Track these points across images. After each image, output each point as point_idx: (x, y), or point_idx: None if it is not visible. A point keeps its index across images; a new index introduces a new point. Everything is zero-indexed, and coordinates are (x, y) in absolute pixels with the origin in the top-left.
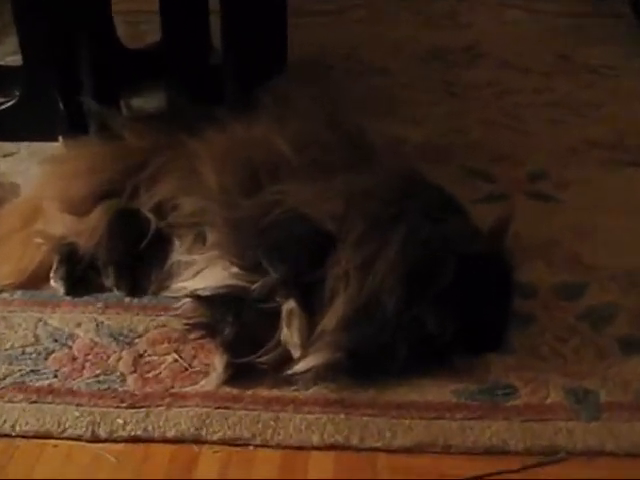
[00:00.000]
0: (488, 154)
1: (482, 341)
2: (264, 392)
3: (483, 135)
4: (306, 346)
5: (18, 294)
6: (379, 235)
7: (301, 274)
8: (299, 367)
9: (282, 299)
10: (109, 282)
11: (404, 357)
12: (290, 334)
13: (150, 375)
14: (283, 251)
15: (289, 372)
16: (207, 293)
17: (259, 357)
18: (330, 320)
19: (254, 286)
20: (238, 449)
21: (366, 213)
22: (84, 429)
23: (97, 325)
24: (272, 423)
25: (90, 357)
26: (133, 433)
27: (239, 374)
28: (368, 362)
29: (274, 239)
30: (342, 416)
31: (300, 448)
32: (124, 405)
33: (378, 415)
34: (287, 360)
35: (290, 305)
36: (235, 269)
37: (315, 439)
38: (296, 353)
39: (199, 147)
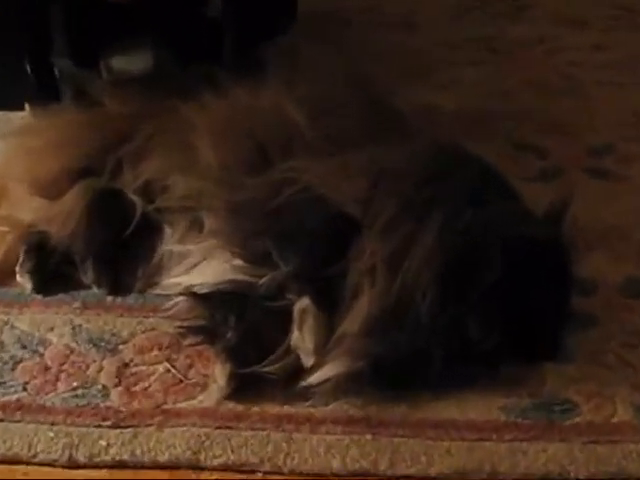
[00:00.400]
0: (539, 124)
1: (535, 347)
2: (274, 408)
3: (532, 101)
4: (323, 353)
5: None
6: (411, 221)
7: (317, 267)
8: (315, 378)
9: (294, 296)
10: (87, 278)
11: (441, 366)
12: (303, 338)
13: (137, 388)
14: (296, 239)
15: (303, 384)
16: (205, 290)
17: (267, 366)
18: (352, 322)
19: (261, 281)
20: (243, 477)
21: (395, 194)
22: (60, 453)
23: (73, 329)
24: (284, 445)
25: (66, 367)
26: (118, 457)
27: (244, 387)
28: (398, 372)
29: (285, 225)
30: (368, 437)
31: (318, 475)
32: (107, 424)
33: (411, 436)
34: (301, 370)
35: (304, 303)
36: (238, 261)
37: (336, 465)
38: (309, 361)
39: (194, 116)
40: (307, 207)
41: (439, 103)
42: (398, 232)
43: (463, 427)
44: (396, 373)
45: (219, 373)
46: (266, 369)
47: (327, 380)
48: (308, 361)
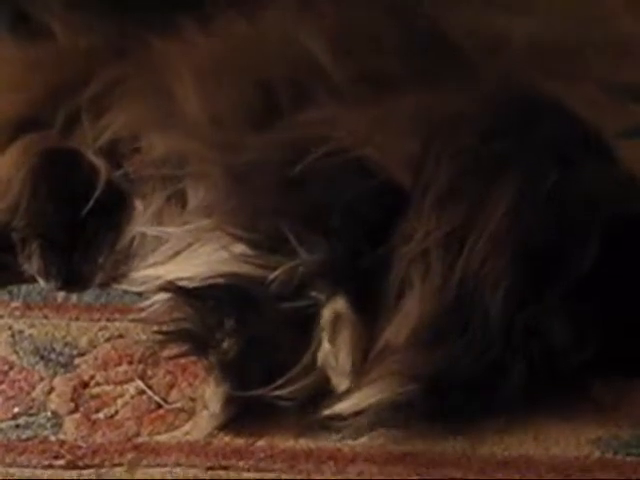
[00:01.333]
0: None
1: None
2: (286, 442)
3: (633, 30)
4: (360, 372)
5: None
6: (477, 188)
7: (355, 255)
8: (347, 406)
9: (321, 296)
10: (32, 267)
11: (516, 388)
12: (336, 354)
13: (101, 416)
14: (325, 218)
15: (328, 412)
16: (193, 285)
17: (280, 389)
18: (399, 329)
19: (273, 275)
20: None
21: (455, 155)
22: None
23: (12, 336)
24: None
25: (4, 387)
26: None
27: (246, 415)
28: (458, 397)
29: (310, 199)
30: None
31: None
32: (60, 464)
33: (472, 479)
34: (326, 393)
35: (337, 306)
36: (240, 247)
37: None
38: (343, 384)
39: (175, 52)
40: (340, 175)
41: (509, 32)
42: (458, 205)
43: (543, 467)
44: (456, 398)
45: (212, 396)
46: (277, 392)
47: (363, 410)
48: (341, 385)
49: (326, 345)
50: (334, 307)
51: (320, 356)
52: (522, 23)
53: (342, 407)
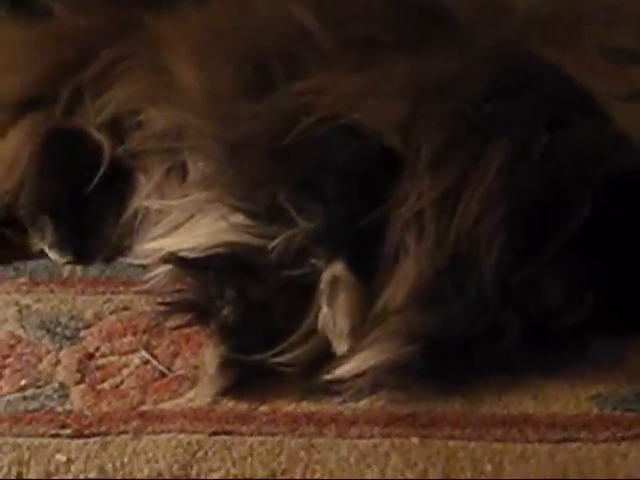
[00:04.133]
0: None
1: (636, 318)
2: (288, 406)
3: None
4: (359, 335)
5: None
6: (469, 150)
7: (351, 221)
8: (348, 369)
9: (320, 262)
10: (40, 242)
11: (513, 346)
12: (335, 316)
13: (106, 386)
14: (320, 185)
15: (329, 377)
16: (194, 255)
17: (280, 355)
18: (396, 291)
19: (272, 244)
20: None
21: (447, 117)
22: (5, 471)
23: (20, 311)
24: (302, 454)
25: (11, 360)
26: (82, 476)
27: (247, 380)
28: (457, 357)
29: (304, 167)
30: (415, 441)
31: None
32: (67, 433)
33: (472, 438)
34: (326, 358)
35: (335, 270)
36: (239, 217)
37: (372, 478)
38: (342, 346)
39: (171, 30)
40: (332, 141)
41: (507, 1)
42: (451, 166)
43: (542, 424)
44: (455, 357)
45: (213, 361)
46: (277, 359)
47: (363, 372)
48: (341, 347)
49: (325, 308)
50: (332, 271)
51: (319, 320)
52: None
53: (343, 370)
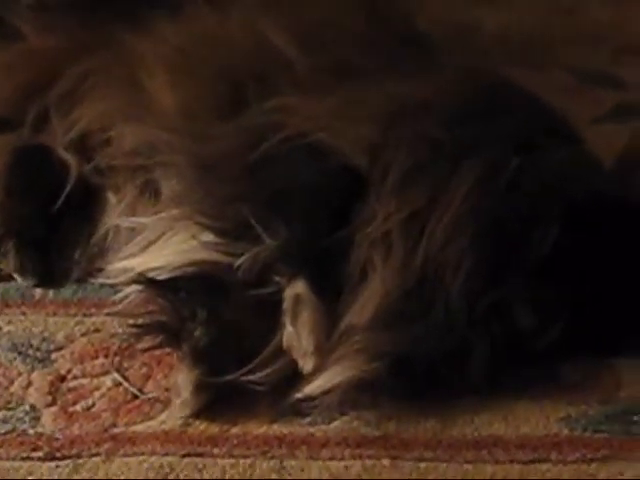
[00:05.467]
0: (614, 44)
1: (607, 339)
2: (260, 428)
3: (606, 17)
4: (324, 353)
5: None
6: (438, 173)
7: (315, 239)
8: (315, 387)
9: (284, 279)
10: (8, 265)
11: (482, 368)
12: (298, 335)
13: (78, 408)
14: (285, 203)
15: (299, 396)
16: (165, 276)
17: (251, 373)
18: (362, 310)
19: (239, 261)
20: None
21: (416, 140)
22: None
23: None
24: (274, 477)
25: None
26: None
27: (219, 401)
28: (425, 376)
29: (270, 185)
30: (386, 462)
31: None
32: (38, 455)
33: (443, 459)
34: (296, 377)
35: (297, 288)
36: (208, 236)
37: None
38: (308, 365)
39: (142, 47)
40: (298, 159)
41: (479, 23)
42: (419, 188)
43: (513, 445)
44: (423, 377)
45: (185, 383)
46: (249, 378)
47: (331, 389)
48: (306, 365)
49: (289, 327)
50: (295, 289)
51: (284, 338)
52: (492, 14)
53: (311, 388)
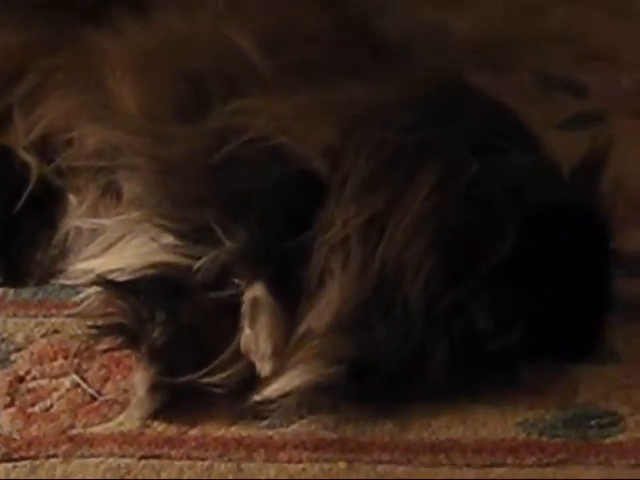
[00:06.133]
0: (576, 51)
1: (564, 344)
2: (218, 431)
3: (569, 22)
4: (283, 357)
5: None
6: (397, 177)
7: (273, 243)
8: (273, 390)
9: (243, 282)
10: None
11: (441, 371)
12: (256, 338)
13: (36, 409)
14: (244, 206)
15: (257, 398)
16: (125, 278)
17: (209, 376)
18: (320, 315)
19: (199, 263)
20: None
21: (377, 144)
22: None
23: None
24: (231, 478)
25: None
26: None
27: (177, 403)
28: (384, 379)
29: (231, 187)
30: (342, 465)
31: None
32: None
33: (400, 462)
34: (254, 380)
35: (256, 292)
36: (168, 238)
37: None
38: (265, 368)
39: (108, 47)
40: (260, 162)
41: (444, 24)
42: (378, 193)
43: (470, 449)
44: (381, 380)
45: (142, 385)
46: (207, 379)
47: (289, 392)
48: (264, 368)
49: (247, 330)
50: (253, 292)
51: (242, 341)
52: (459, 15)
53: (269, 391)
